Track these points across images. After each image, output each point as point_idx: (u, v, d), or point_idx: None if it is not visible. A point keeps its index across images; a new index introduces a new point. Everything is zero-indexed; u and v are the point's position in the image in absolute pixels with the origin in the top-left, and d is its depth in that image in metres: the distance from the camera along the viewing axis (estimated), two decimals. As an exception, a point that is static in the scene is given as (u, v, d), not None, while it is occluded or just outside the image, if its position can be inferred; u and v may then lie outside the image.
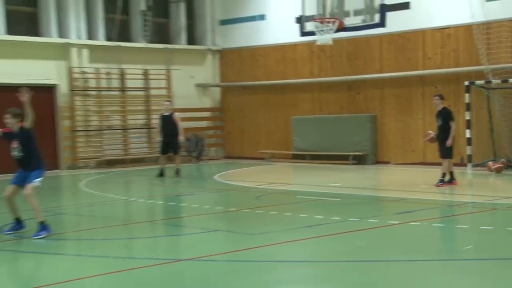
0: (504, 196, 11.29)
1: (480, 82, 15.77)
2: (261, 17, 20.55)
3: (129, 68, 19.63)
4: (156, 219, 10.25)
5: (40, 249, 7.77)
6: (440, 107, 12.64)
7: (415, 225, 8.81)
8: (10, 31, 17.87)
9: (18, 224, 8.67)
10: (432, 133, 12.87)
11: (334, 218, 9.35)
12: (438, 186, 12.35)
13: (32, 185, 8.37)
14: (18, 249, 7.60)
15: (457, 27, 16.77)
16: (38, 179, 8.43)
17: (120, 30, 19.62)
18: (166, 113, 16.02)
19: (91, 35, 19.31)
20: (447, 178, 12.52)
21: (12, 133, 8.59)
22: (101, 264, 6.99)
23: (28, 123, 8.41)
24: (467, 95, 15.87)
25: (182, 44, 21.09)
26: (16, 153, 8.56)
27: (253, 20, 20.70)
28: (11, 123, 8.54)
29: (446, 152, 12.51)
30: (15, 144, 8.55)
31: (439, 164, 13.06)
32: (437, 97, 12.79)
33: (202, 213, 10.25)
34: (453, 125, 12.51)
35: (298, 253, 7.42)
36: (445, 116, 12.52)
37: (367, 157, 18.10)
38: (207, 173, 17.93)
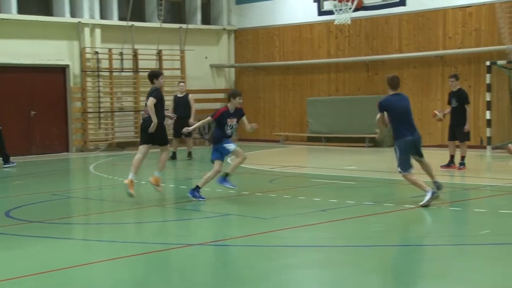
0: (525, 180, 11.14)
1: (501, 62, 15.53)
2: (278, -4, 20.37)
3: (142, 49, 19.59)
4: (167, 203, 10.25)
5: (48, 234, 7.80)
6: (456, 88, 12.49)
7: (431, 209, 8.72)
8: (21, 11, 17.89)
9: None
10: (439, 113, 12.50)
11: (348, 202, 9.29)
12: (460, 169, 12.26)
13: None
14: (26, 234, 7.64)
15: (479, 6, 16.49)
16: None
17: (133, 10, 19.56)
18: (180, 95, 15.99)
19: (104, 14, 19.27)
20: (456, 161, 12.40)
21: None
22: (111, 248, 7.00)
23: None
24: (488, 75, 15.65)
25: (197, 24, 20.99)
26: None
27: (269, 0, 20.53)
28: None
29: (464, 135, 12.39)
30: None
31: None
32: (452, 78, 12.65)
33: (214, 197, 10.23)
34: (468, 108, 12.39)
35: (311, 237, 7.38)
36: (461, 98, 12.38)
37: (384, 139, 17.96)
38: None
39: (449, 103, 12.65)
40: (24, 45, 17.73)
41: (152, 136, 9.96)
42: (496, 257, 6.30)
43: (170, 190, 11.65)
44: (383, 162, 14.79)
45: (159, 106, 9.89)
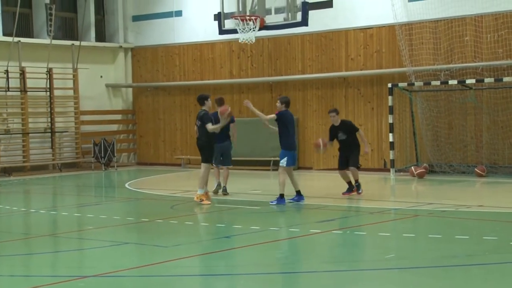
0: (426, 202, 11.65)
1: (403, 84, 16.27)
2: (178, 13, 20.39)
3: (31, 67, 18.96)
4: (59, 232, 9.91)
5: None
6: (338, 122, 12.54)
7: (337, 233, 8.93)
8: None
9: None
10: (322, 148, 12.38)
11: (253, 227, 9.35)
12: (359, 193, 12.50)
13: None
14: None
15: (379, 28, 17.24)
16: None
17: (20, 24, 18.92)
18: None
19: (-13, 29, 18.53)
20: (352, 186, 12.58)
21: None
22: (-6, 283, 6.67)
23: None
24: (390, 97, 16.33)
25: (90, 41, 20.60)
26: None
27: (168, 17, 20.50)
28: None
29: (357, 161, 12.46)
30: None
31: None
32: (333, 113, 12.53)
33: (111, 225, 10.00)
34: (360, 132, 12.60)
35: (213, 266, 7.35)
36: (349, 130, 12.48)
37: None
38: (117, 180, 17.57)
39: (334, 137, 12.47)
40: None
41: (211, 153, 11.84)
42: (401, 282, 6.52)
43: (63, 218, 11.25)
44: (288, 185, 15.01)
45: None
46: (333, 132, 12.56)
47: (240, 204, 11.89)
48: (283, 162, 11.65)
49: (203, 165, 11.83)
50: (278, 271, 7.02)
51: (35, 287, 6.39)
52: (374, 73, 17.32)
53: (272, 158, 18.15)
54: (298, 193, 11.84)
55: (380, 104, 17.15)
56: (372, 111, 17.41)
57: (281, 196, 11.63)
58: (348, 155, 12.43)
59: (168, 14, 20.51)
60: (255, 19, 15.97)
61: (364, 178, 13.40)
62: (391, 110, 16.41)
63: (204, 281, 6.73)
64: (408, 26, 16.47)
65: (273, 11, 17.00)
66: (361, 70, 17.56)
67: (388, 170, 16.39)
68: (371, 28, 17.36)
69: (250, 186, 14.73)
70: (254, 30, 16.84)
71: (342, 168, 12.59)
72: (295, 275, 6.92)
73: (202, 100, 12.00)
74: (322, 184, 15.56)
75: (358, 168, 12.53)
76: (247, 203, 11.86)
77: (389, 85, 16.34)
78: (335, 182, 15.48)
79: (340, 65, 17.88)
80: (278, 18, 16.50)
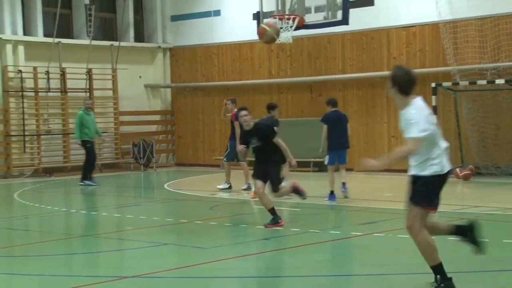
0: (472, 205, 11.49)
1: (447, 83, 16.06)
2: (216, 13, 20.50)
3: (71, 67, 19.31)
4: (100, 232, 10.07)
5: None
6: (250, 125, 9.80)
7: (379, 236, 8.87)
8: None
9: None
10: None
11: (293, 229, 9.35)
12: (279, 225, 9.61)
13: None
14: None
15: (423, 26, 17.06)
16: None
17: (60, 25, 19.28)
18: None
19: (28, 30, 18.92)
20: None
21: None
22: (36, 283, 6.81)
23: None
24: (433, 97, 16.13)
25: (129, 42, 20.87)
26: None
27: (207, 16, 20.63)
28: None
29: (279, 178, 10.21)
30: None
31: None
32: (244, 112, 10.01)
33: (150, 225, 10.12)
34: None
35: (253, 268, 7.37)
36: (261, 134, 9.99)
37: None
38: (156, 181, 17.76)
39: (246, 143, 10.08)
40: None
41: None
42: None
43: (103, 218, 11.43)
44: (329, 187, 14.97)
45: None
46: (244, 138, 10.10)
47: (280, 206, 11.89)
48: (325, 160, 12.41)
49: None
50: (318, 274, 7.01)
51: (76, 287, 6.51)
52: (417, 72, 17.00)
53: (312, 159, 18.11)
54: (331, 193, 12.05)
55: (423, 104, 16.96)
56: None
57: (331, 192, 12.05)
58: (267, 170, 9.69)
59: (207, 14, 20.64)
60: (294, 18, 15.97)
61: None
62: (435, 110, 16.17)
63: (244, 283, 6.75)
64: (453, 24, 16.24)
65: (313, 10, 16.97)
66: (403, 69, 17.37)
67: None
68: (414, 26, 17.18)
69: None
70: (291, 29, 16.85)
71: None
72: (335, 278, 6.90)
73: (270, 108, 13.12)
74: (363, 186, 15.46)
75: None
76: (287, 205, 11.86)
77: (433, 84, 16.12)
78: (377, 184, 15.38)
79: (382, 64, 17.74)
80: (318, 17, 16.48)
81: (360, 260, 7.73)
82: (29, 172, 18.62)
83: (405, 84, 6.13)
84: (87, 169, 15.95)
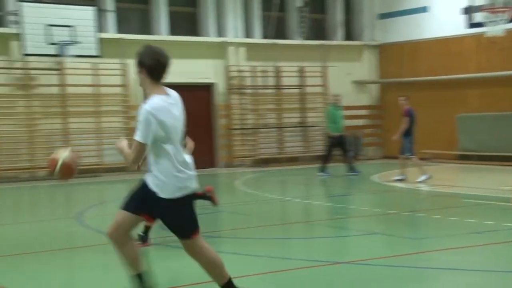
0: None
1: None
2: (424, 9, 19.96)
3: (285, 66, 19.97)
4: (312, 219, 10.31)
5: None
6: None
7: None
8: (172, 32, 18.94)
9: None
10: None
11: (506, 224, 8.81)
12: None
13: None
14: (171, 245, 7.90)
15: None
16: None
17: (276, 28, 20.03)
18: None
19: (248, 33, 19.91)
20: None
21: None
22: (257, 263, 7.16)
23: None
24: None
25: (338, 40, 21.05)
26: None
27: (415, 13, 20.17)
28: None
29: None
30: None
31: None
32: None
33: (359, 215, 10.15)
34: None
35: (464, 260, 7.08)
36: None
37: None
38: (364, 173, 17.72)
39: None
40: (174, 64, 18.62)
41: None
42: None
43: (315, 207, 11.70)
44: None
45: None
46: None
47: (490, 200, 11.27)
48: None
49: None
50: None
51: (290, 269, 6.74)
52: None
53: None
54: None
55: None
56: None
57: None
58: None
59: (415, 11, 20.18)
60: (506, 11, 15.00)
61: None
62: None
63: (450, 275, 6.52)
64: None
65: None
66: None
67: None
68: None
69: (501, 182, 13.88)
70: (503, 22, 15.82)
71: None
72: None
73: None
74: None
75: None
76: (497, 199, 11.20)
77: None
78: None
79: None
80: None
81: None
82: (249, 162, 19.61)
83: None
84: (324, 161, 16.08)
